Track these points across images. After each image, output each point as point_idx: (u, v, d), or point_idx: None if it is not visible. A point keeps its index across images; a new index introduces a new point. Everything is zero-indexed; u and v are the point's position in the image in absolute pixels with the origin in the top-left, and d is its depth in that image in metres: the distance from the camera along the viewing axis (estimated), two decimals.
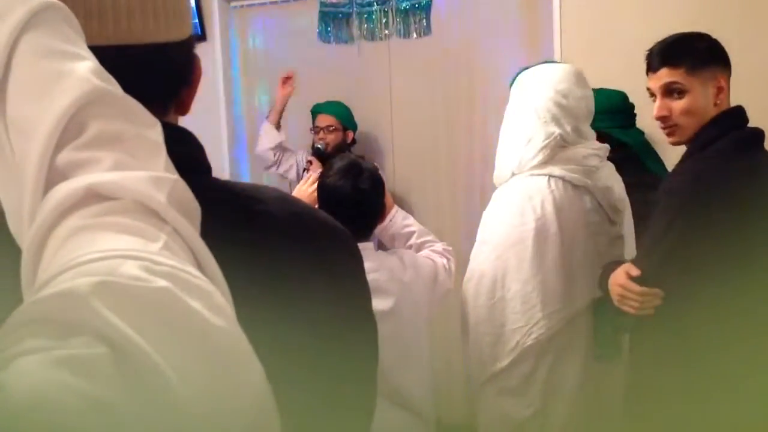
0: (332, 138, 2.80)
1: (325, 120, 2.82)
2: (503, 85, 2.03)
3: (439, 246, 1.78)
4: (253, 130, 3.31)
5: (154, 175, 0.43)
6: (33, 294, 0.35)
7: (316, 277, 0.68)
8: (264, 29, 3.22)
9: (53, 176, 0.42)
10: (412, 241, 1.79)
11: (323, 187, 1.60)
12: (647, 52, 1.57)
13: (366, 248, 1.59)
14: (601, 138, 2.12)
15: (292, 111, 3.15)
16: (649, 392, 1.55)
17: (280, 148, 2.90)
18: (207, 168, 0.68)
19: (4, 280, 0.43)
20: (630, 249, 1.72)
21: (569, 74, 1.65)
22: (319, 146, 2.77)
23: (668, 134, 1.57)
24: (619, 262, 1.57)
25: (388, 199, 1.80)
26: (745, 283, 1.41)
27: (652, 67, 1.56)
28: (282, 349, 0.54)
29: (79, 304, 0.32)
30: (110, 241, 0.37)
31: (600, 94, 2.15)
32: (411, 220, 1.83)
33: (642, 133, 2.21)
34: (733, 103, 1.54)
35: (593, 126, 2.11)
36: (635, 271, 1.48)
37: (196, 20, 3.07)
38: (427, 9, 2.87)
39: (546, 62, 1.78)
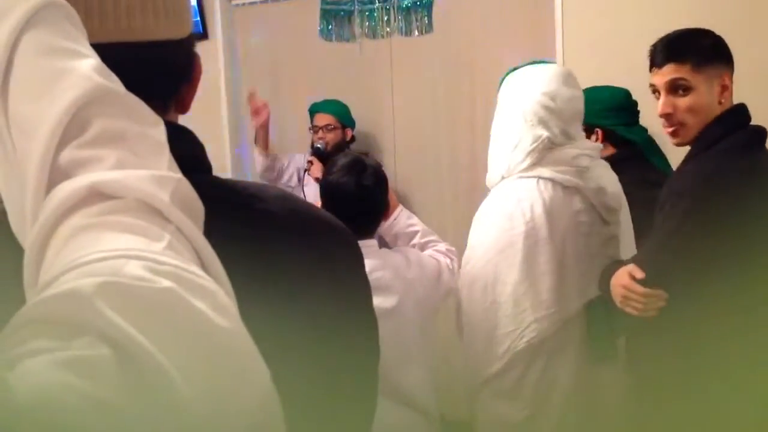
0: (331, 137, 2.79)
1: (323, 119, 2.81)
2: None
3: (442, 246, 1.78)
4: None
5: (157, 174, 0.42)
6: (36, 294, 0.35)
7: (316, 275, 0.68)
8: (266, 27, 3.21)
9: (55, 175, 0.41)
10: (416, 240, 1.79)
11: (327, 184, 1.60)
12: (651, 48, 1.55)
13: (370, 246, 1.58)
14: (606, 135, 2.12)
15: (292, 111, 3.15)
16: (651, 394, 1.55)
17: (272, 168, 2.88)
18: (207, 167, 0.68)
19: (7, 280, 0.43)
20: (628, 248, 1.70)
21: (557, 75, 1.64)
22: (318, 146, 2.76)
23: (672, 134, 1.55)
24: (620, 263, 1.56)
25: (393, 198, 1.80)
26: (751, 286, 1.41)
27: (656, 63, 1.53)
28: (282, 345, 0.54)
29: (83, 305, 0.32)
30: (113, 241, 0.37)
31: (604, 91, 2.15)
32: (415, 219, 1.83)
33: (645, 130, 2.20)
34: (736, 101, 1.53)
35: (598, 123, 2.11)
36: (640, 274, 1.46)
37: (198, 18, 3.07)
38: (429, 7, 2.87)
39: (535, 62, 1.76)
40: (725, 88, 1.49)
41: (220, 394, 0.34)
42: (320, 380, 0.66)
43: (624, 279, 1.48)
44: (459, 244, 1.77)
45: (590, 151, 1.67)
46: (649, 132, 2.20)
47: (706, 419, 1.45)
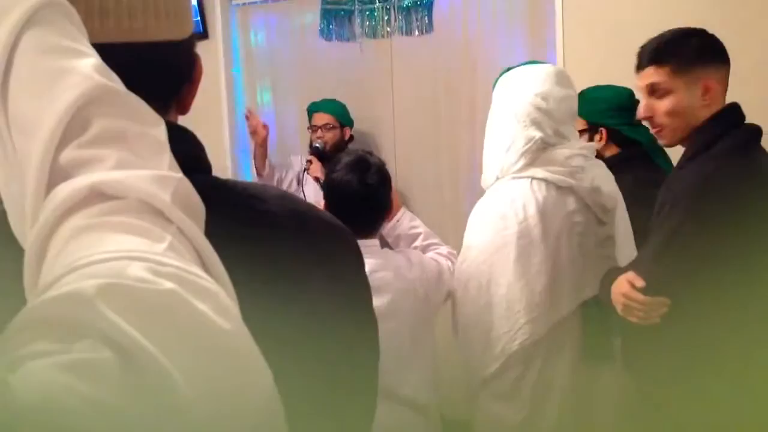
0: (330, 136, 2.79)
1: (322, 118, 2.81)
2: None
3: (444, 249, 1.78)
4: None
5: (158, 174, 0.42)
6: (37, 295, 0.34)
7: (316, 275, 0.68)
8: (266, 27, 3.21)
9: (56, 175, 0.41)
10: (418, 243, 1.79)
11: (330, 181, 1.60)
12: (639, 49, 1.55)
13: (371, 245, 1.58)
14: (609, 135, 2.11)
15: (292, 111, 3.15)
16: (647, 393, 1.55)
17: (271, 178, 2.87)
18: (207, 167, 0.68)
19: (7, 281, 0.43)
20: (624, 248, 1.70)
21: (549, 75, 1.63)
22: (317, 145, 2.76)
23: (656, 135, 1.56)
24: (619, 269, 1.56)
25: (396, 199, 1.80)
26: (751, 285, 1.40)
27: (639, 65, 1.54)
28: (282, 345, 0.54)
29: (85, 307, 0.31)
30: (115, 242, 0.37)
31: (608, 90, 2.14)
32: (418, 222, 1.83)
33: (648, 130, 2.20)
34: (738, 100, 1.53)
35: (603, 123, 2.11)
36: (640, 282, 1.45)
37: (198, 18, 3.06)
38: (429, 6, 2.87)
39: (529, 63, 1.76)
40: (708, 90, 1.47)
41: (223, 396, 0.34)
42: (320, 380, 0.66)
43: (624, 287, 1.47)
44: (459, 244, 1.77)
45: (584, 150, 1.66)
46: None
47: (703, 418, 1.44)
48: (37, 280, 0.39)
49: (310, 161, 2.74)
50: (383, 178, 1.60)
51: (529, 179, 1.59)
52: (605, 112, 2.10)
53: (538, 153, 1.60)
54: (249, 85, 3.28)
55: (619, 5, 2.55)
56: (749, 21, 2.33)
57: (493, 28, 2.82)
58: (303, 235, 0.69)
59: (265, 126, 2.79)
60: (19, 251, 0.41)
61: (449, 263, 1.72)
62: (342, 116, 2.83)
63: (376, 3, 2.93)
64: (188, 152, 0.63)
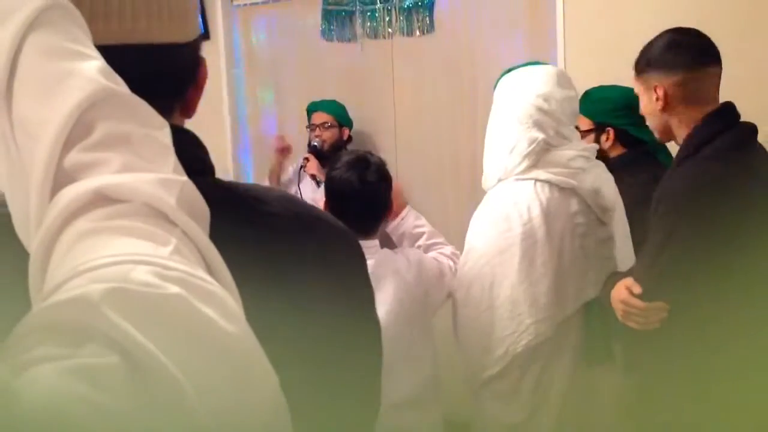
0: (328, 135, 2.78)
1: (320, 117, 2.81)
2: None
3: (447, 249, 1.77)
4: (257, 129, 3.31)
5: (163, 177, 0.42)
6: (42, 299, 0.34)
7: (319, 277, 0.68)
8: (267, 27, 3.21)
9: (60, 178, 0.41)
10: (421, 242, 1.78)
11: (331, 180, 1.60)
12: None
13: (371, 246, 1.58)
14: (616, 135, 2.11)
15: (293, 111, 3.15)
16: (647, 396, 1.55)
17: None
18: (211, 169, 0.68)
19: (12, 284, 0.43)
20: (622, 249, 1.70)
21: (550, 77, 1.63)
22: (315, 143, 2.76)
23: None
24: (619, 274, 1.56)
25: (401, 197, 1.80)
26: (748, 286, 1.40)
27: None
28: (285, 348, 0.54)
29: (91, 312, 0.31)
30: (120, 246, 0.37)
31: (613, 90, 2.13)
32: (422, 221, 1.83)
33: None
34: (738, 100, 1.53)
35: (609, 122, 2.10)
36: (637, 289, 1.46)
37: (199, 19, 3.06)
38: (430, 7, 2.86)
39: (530, 64, 1.76)
40: (660, 95, 1.52)
41: (229, 400, 0.34)
42: (323, 382, 0.66)
43: (622, 294, 1.48)
44: (460, 245, 1.77)
45: (585, 152, 1.67)
46: None
47: (703, 421, 1.44)
48: (42, 284, 0.39)
49: (306, 159, 2.75)
50: (383, 176, 1.61)
51: (533, 181, 1.59)
52: (612, 112, 2.09)
53: (540, 154, 1.60)
54: (250, 86, 3.28)
55: (620, 5, 2.55)
56: (750, 21, 2.33)
57: (494, 29, 2.82)
58: (306, 237, 0.69)
59: (290, 149, 2.87)
60: (24, 254, 0.41)
61: (451, 263, 1.72)
62: (340, 116, 2.82)
63: (377, 4, 2.93)
64: (192, 155, 0.63)
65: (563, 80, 1.65)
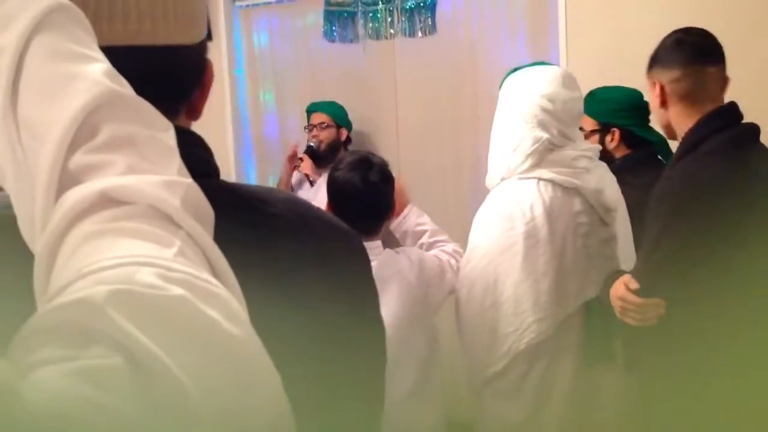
0: (325, 135, 2.78)
1: (318, 117, 2.82)
2: None
3: (449, 247, 1.77)
4: (259, 130, 3.31)
5: (167, 179, 0.42)
6: (47, 301, 0.34)
7: (323, 279, 0.68)
8: (269, 28, 3.22)
9: (65, 180, 0.41)
10: (424, 239, 1.79)
11: (333, 180, 1.60)
12: None
13: (374, 247, 1.58)
14: (621, 136, 2.11)
15: (296, 112, 3.15)
16: (648, 394, 1.55)
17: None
18: (215, 171, 0.68)
19: (18, 285, 0.43)
20: (624, 250, 1.71)
21: (555, 77, 1.64)
22: (311, 144, 2.77)
23: None
24: (620, 272, 1.57)
25: (404, 195, 1.80)
26: (744, 282, 1.41)
27: None
28: (289, 349, 0.54)
29: (95, 313, 0.31)
30: (125, 248, 0.37)
31: (619, 90, 2.13)
32: (425, 218, 1.83)
33: (656, 130, 2.20)
34: (740, 101, 1.53)
35: (615, 123, 2.10)
36: (634, 284, 1.48)
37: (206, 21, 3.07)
38: (432, 8, 2.87)
39: (536, 64, 1.76)
40: (659, 91, 1.56)
41: (232, 402, 0.34)
42: (327, 384, 0.66)
43: (620, 290, 1.50)
44: (462, 245, 1.77)
45: (589, 152, 1.68)
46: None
47: (703, 419, 1.45)
48: (47, 285, 0.39)
49: (301, 158, 2.75)
50: (386, 176, 1.61)
51: (536, 180, 1.60)
52: (617, 113, 2.09)
53: (544, 154, 1.61)
54: (252, 87, 3.29)
55: (622, 6, 2.55)
56: (754, 22, 2.33)
57: (495, 30, 2.82)
58: (310, 238, 0.69)
59: (302, 159, 2.84)
60: (29, 256, 0.41)
61: (453, 261, 1.72)
62: (338, 116, 2.82)
63: (379, 4, 2.93)
64: (197, 156, 0.63)
65: (568, 81, 1.66)
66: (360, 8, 2.96)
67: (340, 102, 2.87)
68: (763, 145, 1.52)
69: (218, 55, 3.13)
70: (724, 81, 1.54)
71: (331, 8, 2.98)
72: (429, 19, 2.87)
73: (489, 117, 2.60)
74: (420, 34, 2.89)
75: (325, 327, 0.66)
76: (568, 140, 1.64)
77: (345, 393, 0.70)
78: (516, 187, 1.62)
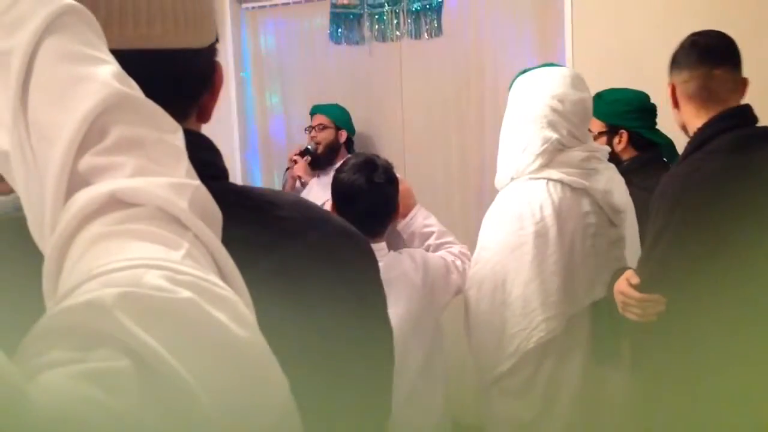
0: (323, 136, 2.78)
1: (317, 119, 2.81)
2: None
3: (456, 248, 1.77)
4: (265, 131, 3.31)
5: (175, 182, 0.42)
6: (56, 303, 0.35)
7: (331, 282, 0.68)
8: (275, 30, 3.22)
9: (74, 182, 0.41)
10: (431, 241, 1.79)
11: (337, 182, 1.60)
12: None
13: (379, 249, 1.58)
14: (629, 138, 2.10)
15: (301, 115, 3.15)
16: (655, 393, 1.55)
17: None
18: (224, 173, 0.68)
19: (27, 287, 0.43)
20: (632, 251, 1.71)
21: (565, 78, 1.65)
22: (309, 146, 2.76)
23: None
24: (626, 269, 1.57)
25: (411, 196, 1.80)
26: (746, 280, 1.41)
27: None
28: (296, 351, 0.54)
29: (103, 316, 0.31)
30: (133, 250, 0.37)
31: (626, 92, 2.13)
32: (432, 220, 1.83)
33: (663, 133, 2.19)
34: (745, 101, 1.53)
35: (623, 125, 2.10)
36: (635, 280, 1.49)
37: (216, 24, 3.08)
38: (438, 10, 2.87)
39: (545, 65, 1.77)
40: (670, 93, 1.60)
41: (240, 404, 0.34)
42: (335, 386, 0.66)
43: (622, 285, 1.51)
44: (469, 246, 1.77)
45: (598, 153, 1.68)
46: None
47: (708, 418, 1.45)
48: (57, 287, 0.39)
49: (294, 161, 2.75)
50: (390, 178, 1.61)
51: (545, 180, 1.60)
52: (625, 114, 2.09)
53: (553, 154, 1.62)
54: (258, 89, 3.29)
55: (628, 9, 2.54)
56: (758, 24, 2.32)
57: (502, 32, 2.82)
58: (318, 241, 0.69)
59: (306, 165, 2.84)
60: (39, 257, 0.41)
61: (458, 262, 1.72)
62: (337, 118, 2.82)
63: (385, 7, 2.93)
64: (205, 159, 0.63)
65: (577, 82, 1.66)
66: (366, 10, 2.96)
67: (345, 104, 2.87)
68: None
69: (225, 56, 3.14)
70: (735, 83, 1.53)
71: (337, 10, 2.99)
72: (435, 21, 2.87)
73: (495, 119, 2.60)
74: (426, 36, 2.89)
75: (333, 329, 0.66)
76: (577, 141, 1.65)
77: (353, 394, 0.70)
78: (525, 188, 1.62)
